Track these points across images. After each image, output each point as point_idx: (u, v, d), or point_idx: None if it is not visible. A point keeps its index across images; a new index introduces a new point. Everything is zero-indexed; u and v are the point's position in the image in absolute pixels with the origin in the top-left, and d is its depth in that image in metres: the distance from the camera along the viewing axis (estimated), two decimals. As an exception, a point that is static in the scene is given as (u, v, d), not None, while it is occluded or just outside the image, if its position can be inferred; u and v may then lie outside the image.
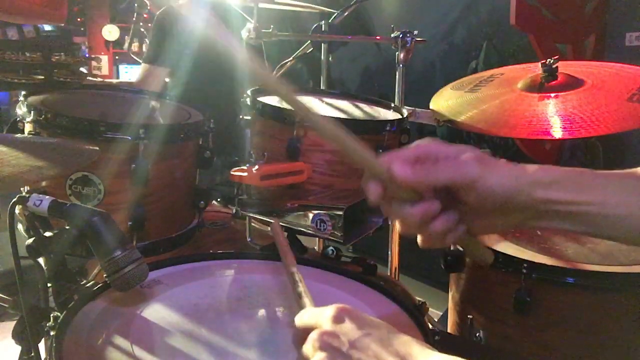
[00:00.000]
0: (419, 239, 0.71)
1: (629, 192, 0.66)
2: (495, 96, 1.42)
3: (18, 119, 1.25)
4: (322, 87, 1.95)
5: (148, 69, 2.44)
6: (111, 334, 0.77)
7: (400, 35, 1.65)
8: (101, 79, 4.66)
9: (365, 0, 2.02)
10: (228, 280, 1.00)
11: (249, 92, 1.40)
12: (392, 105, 1.53)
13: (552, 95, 1.34)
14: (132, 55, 3.28)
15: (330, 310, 0.59)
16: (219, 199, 1.77)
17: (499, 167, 0.65)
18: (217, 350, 0.76)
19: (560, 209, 0.65)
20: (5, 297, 1.01)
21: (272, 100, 1.39)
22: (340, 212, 1.16)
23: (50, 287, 0.86)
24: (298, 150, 1.23)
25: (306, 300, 0.74)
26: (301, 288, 0.78)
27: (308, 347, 0.57)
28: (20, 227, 1.16)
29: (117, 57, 7.40)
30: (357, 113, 1.47)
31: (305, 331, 0.59)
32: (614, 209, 0.65)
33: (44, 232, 0.84)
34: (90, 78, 2.49)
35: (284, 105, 1.35)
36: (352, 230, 1.20)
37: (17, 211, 0.98)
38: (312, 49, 1.95)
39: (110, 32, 7.31)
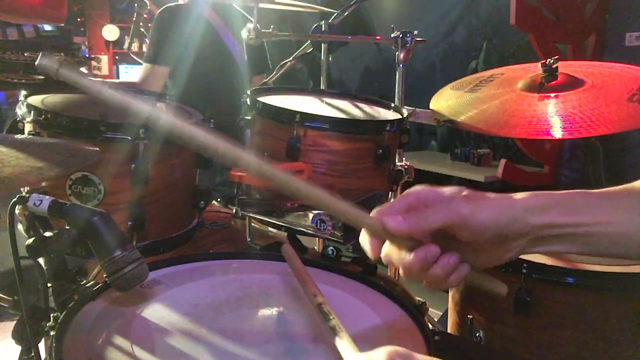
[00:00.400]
0: (425, 282, 0.71)
1: (625, 209, 0.66)
2: (495, 96, 1.42)
3: (18, 119, 1.25)
4: (322, 87, 1.95)
5: (150, 68, 2.44)
6: (111, 334, 0.77)
7: (400, 35, 1.65)
8: (101, 79, 4.66)
9: (365, 0, 2.02)
10: (228, 280, 1.00)
11: (249, 92, 1.40)
12: (392, 105, 1.53)
13: (552, 95, 1.34)
14: (132, 55, 3.28)
15: (382, 355, 0.58)
16: (219, 199, 1.77)
17: (489, 201, 0.66)
18: (217, 350, 0.76)
19: (558, 232, 0.66)
20: (5, 297, 1.01)
21: (272, 100, 1.39)
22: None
23: (50, 287, 0.86)
24: (298, 150, 1.23)
25: (343, 335, 0.69)
26: (334, 322, 0.72)
27: None
28: (20, 227, 1.16)
29: (117, 57, 7.41)
30: (357, 113, 1.47)
31: None
32: (613, 227, 0.66)
33: (44, 232, 0.84)
34: (91, 78, 2.48)
35: (284, 105, 1.35)
36: (352, 230, 1.20)
37: (17, 211, 0.98)
38: (312, 49, 1.95)
39: (110, 32, 7.31)
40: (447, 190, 0.67)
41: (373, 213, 0.69)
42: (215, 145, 0.66)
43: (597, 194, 0.69)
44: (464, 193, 0.67)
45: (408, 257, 0.66)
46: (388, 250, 0.69)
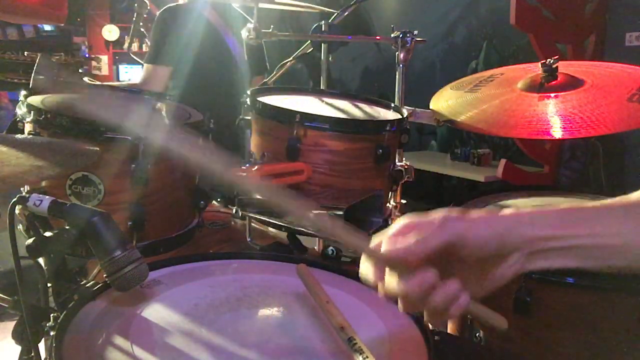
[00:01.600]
0: (425, 315, 0.70)
1: (620, 221, 0.67)
2: (495, 96, 1.42)
3: (18, 119, 1.25)
4: (322, 87, 1.95)
5: (151, 69, 2.44)
6: (111, 334, 0.77)
7: (400, 35, 1.65)
8: (98, 82, 4.66)
9: (365, 0, 2.02)
10: (228, 280, 1.00)
11: (248, 92, 1.40)
12: (392, 105, 1.53)
13: (552, 95, 1.34)
14: (132, 55, 3.27)
15: None
16: (219, 199, 1.77)
17: (480, 217, 0.67)
18: (217, 350, 0.76)
19: (553, 245, 0.66)
20: (5, 297, 1.01)
21: (272, 100, 1.39)
22: (340, 212, 1.16)
23: (50, 287, 0.86)
24: (298, 150, 1.23)
25: None
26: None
27: None
28: (20, 227, 1.16)
29: (117, 57, 7.40)
30: (357, 113, 1.47)
31: None
32: (608, 239, 0.66)
33: (44, 232, 0.84)
34: (87, 80, 2.48)
35: (284, 105, 1.35)
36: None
37: (17, 211, 0.98)
38: (312, 49, 1.95)
39: (110, 32, 7.31)
40: (438, 213, 0.67)
41: (371, 242, 0.69)
42: (212, 165, 0.63)
43: (592, 206, 0.69)
44: (456, 212, 0.67)
45: (406, 283, 0.65)
46: (387, 280, 0.68)
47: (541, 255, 0.67)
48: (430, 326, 0.86)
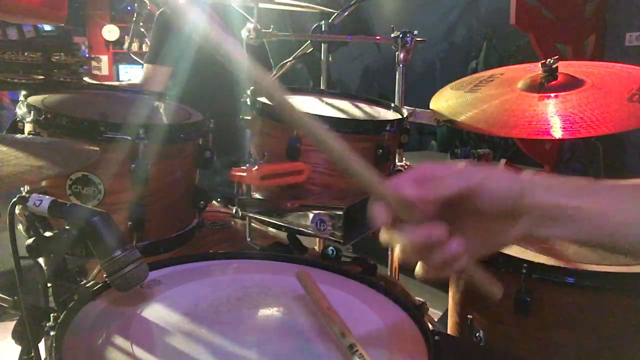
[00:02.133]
0: (418, 268, 0.69)
1: (631, 199, 0.66)
2: (495, 96, 1.42)
3: (18, 119, 1.25)
4: (322, 87, 1.94)
5: (151, 69, 2.44)
6: (111, 334, 0.77)
7: (400, 35, 1.65)
8: (99, 82, 4.65)
9: (365, 0, 2.02)
10: (228, 280, 1.00)
11: (249, 92, 1.40)
12: (392, 105, 1.53)
13: (552, 95, 1.34)
14: (132, 55, 3.27)
15: None
16: (219, 199, 1.77)
17: (500, 172, 0.66)
18: (217, 350, 0.77)
19: (563, 213, 0.66)
20: (5, 297, 1.01)
21: (272, 100, 1.39)
22: (340, 212, 1.16)
23: (50, 287, 0.86)
24: (298, 150, 1.23)
25: None
26: None
27: None
28: (20, 227, 1.16)
29: (117, 57, 7.40)
30: (357, 113, 1.47)
31: None
32: (620, 215, 0.65)
33: (44, 232, 0.84)
34: (88, 80, 2.48)
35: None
36: (352, 230, 1.20)
37: (17, 211, 0.98)
38: (312, 49, 1.95)
39: (110, 32, 7.31)
40: (457, 163, 0.67)
41: (388, 182, 0.66)
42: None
43: (611, 183, 0.68)
44: (475, 164, 0.67)
45: (412, 232, 0.64)
46: (393, 224, 0.66)
47: (550, 222, 0.66)
48: (430, 326, 0.86)
